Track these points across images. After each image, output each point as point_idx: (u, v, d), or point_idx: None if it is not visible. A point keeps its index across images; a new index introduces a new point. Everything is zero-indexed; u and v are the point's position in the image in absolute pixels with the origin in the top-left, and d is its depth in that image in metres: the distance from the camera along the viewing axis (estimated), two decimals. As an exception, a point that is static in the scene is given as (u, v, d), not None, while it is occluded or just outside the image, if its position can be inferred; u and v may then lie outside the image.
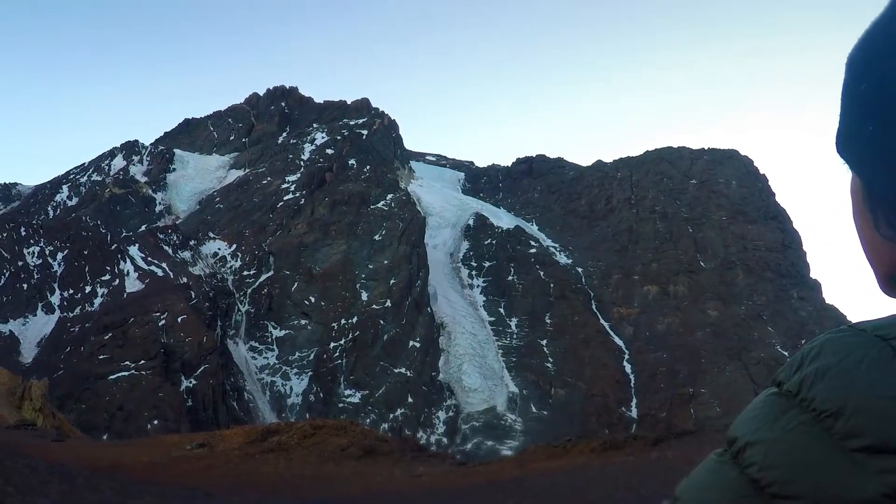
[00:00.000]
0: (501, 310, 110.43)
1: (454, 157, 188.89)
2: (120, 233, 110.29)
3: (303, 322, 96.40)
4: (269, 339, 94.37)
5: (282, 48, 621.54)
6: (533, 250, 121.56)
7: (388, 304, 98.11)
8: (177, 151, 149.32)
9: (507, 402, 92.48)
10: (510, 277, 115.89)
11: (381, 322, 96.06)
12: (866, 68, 0.84)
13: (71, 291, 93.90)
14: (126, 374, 74.12)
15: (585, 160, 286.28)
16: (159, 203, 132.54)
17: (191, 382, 75.61)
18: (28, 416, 35.39)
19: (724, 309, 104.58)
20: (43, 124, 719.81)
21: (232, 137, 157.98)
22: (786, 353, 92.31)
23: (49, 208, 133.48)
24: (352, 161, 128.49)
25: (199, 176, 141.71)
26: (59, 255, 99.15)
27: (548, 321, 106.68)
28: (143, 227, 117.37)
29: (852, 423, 0.75)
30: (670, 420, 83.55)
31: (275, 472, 18.88)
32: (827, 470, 0.74)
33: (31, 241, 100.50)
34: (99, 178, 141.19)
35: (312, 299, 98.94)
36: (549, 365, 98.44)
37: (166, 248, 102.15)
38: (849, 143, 0.89)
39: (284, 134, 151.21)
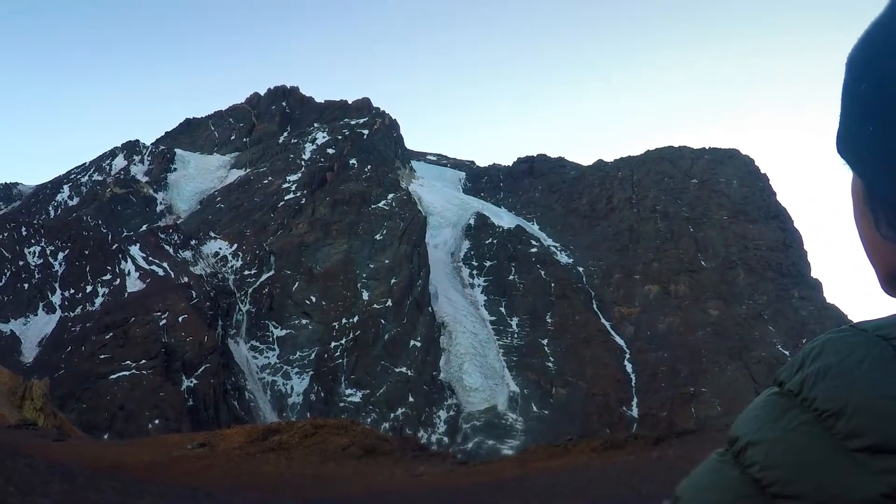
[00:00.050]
0: (502, 309, 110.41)
1: (455, 157, 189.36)
2: (121, 232, 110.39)
3: (304, 321, 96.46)
4: (270, 339, 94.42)
5: (282, 48, 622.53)
6: (534, 250, 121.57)
7: (389, 303, 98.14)
8: (178, 151, 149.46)
9: (508, 402, 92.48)
10: (511, 277, 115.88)
11: (382, 321, 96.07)
12: (866, 68, 0.84)
13: (72, 291, 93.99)
14: (127, 373, 74.19)
15: (586, 160, 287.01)
16: (160, 203, 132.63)
17: (192, 382, 75.63)
18: (29, 415, 35.39)
19: (725, 308, 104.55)
20: (44, 124, 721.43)
21: (233, 137, 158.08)
22: (787, 353, 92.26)
23: (50, 208, 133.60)
24: (353, 161, 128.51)
25: (200, 175, 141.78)
26: (60, 255, 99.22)
27: (549, 320, 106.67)
28: (144, 227, 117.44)
29: (854, 423, 0.75)
30: (671, 419, 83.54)
31: (276, 471, 18.87)
32: (828, 470, 0.75)
33: (33, 241, 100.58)
34: (100, 178, 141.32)
35: (313, 299, 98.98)
36: (549, 364, 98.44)
37: (167, 247, 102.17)
38: (849, 144, 0.89)
39: (285, 134, 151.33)
